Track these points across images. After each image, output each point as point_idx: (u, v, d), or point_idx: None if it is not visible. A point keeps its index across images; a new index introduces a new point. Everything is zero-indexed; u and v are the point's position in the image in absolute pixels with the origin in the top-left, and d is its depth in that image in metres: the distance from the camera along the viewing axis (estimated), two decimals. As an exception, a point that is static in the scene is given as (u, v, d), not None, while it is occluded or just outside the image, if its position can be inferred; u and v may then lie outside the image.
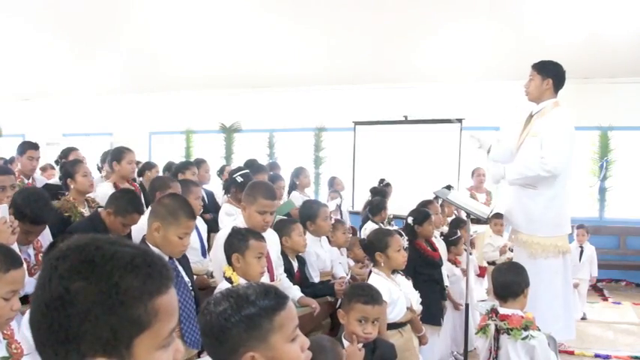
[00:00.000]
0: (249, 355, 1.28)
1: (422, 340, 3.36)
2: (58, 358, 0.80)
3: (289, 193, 5.78)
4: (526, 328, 2.70)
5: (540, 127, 3.85)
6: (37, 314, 0.82)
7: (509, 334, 2.71)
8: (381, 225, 5.03)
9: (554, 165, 3.70)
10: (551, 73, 3.92)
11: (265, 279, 2.92)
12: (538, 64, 3.97)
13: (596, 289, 7.41)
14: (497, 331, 2.77)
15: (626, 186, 8.25)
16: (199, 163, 5.68)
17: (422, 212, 4.30)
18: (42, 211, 2.81)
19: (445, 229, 5.43)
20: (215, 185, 6.22)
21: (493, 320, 2.80)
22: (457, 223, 5.15)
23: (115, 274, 0.81)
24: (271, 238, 3.20)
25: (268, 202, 3.00)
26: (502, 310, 2.80)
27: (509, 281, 2.83)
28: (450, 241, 4.86)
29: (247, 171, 4.99)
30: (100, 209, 3.33)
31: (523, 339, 2.67)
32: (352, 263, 4.43)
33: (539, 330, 2.74)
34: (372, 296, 2.45)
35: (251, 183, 3.35)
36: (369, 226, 5.02)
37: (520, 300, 2.82)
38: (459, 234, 4.84)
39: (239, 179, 4.69)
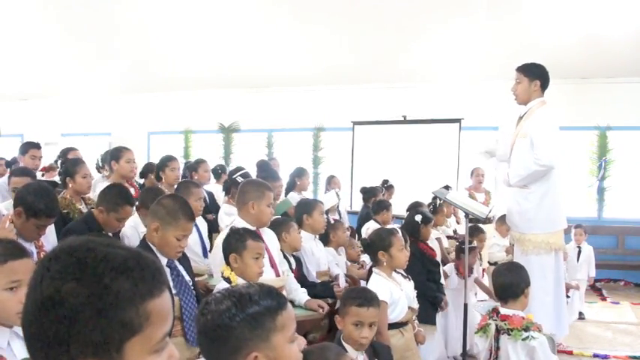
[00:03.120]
0: (253, 356, 1.27)
1: (418, 339, 3.34)
2: None
3: (287, 193, 5.76)
4: (527, 329, 2.70)
5: (528, 127, 3.93)
6: (28, 315, 0.81)
7: (509, 334, 2.71)
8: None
9: (549, 158, 3.80)
10: (537, 75, 3.98)
11: (270, 274, 2.92)
12: (523, 67, 4.03)
13: (595, 289, 7.40)
14: (498, 331, 2.77)
15: (624, 186, 8.25)
16: (198, 163, 5.68)
17: (427, 214, 4.39)
18: (54, 203, 2.82)
19: (444, 228, 5.42)
20: (213, 186, 6.21)
21: (494, 320, 2.80)
22: (471, 232, 5.13)
23: (106, 275, 0.79)
24: (269, 235, 3.21)
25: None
26: (503, 311, 2.81)
27: (508, 282, 2.83)
28: (463, 248, 4.87)
29: (246, 171, 4.97)
30: (92, 209, 3.32)
31: (523, 340, 2.67)
32: (349, 264, 4.43)
33: (539, 331, 2.74)
34: (366, 298, 2.40)
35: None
36: (372, 226, 5.01)
37: (520, 300, 2.82)
38: (474, 244, 4.82)
39: (239, 179, 4.68)
